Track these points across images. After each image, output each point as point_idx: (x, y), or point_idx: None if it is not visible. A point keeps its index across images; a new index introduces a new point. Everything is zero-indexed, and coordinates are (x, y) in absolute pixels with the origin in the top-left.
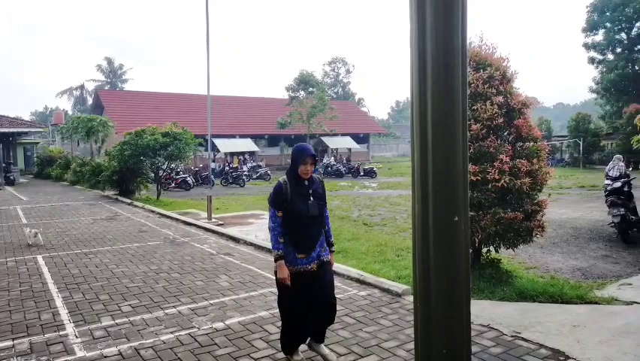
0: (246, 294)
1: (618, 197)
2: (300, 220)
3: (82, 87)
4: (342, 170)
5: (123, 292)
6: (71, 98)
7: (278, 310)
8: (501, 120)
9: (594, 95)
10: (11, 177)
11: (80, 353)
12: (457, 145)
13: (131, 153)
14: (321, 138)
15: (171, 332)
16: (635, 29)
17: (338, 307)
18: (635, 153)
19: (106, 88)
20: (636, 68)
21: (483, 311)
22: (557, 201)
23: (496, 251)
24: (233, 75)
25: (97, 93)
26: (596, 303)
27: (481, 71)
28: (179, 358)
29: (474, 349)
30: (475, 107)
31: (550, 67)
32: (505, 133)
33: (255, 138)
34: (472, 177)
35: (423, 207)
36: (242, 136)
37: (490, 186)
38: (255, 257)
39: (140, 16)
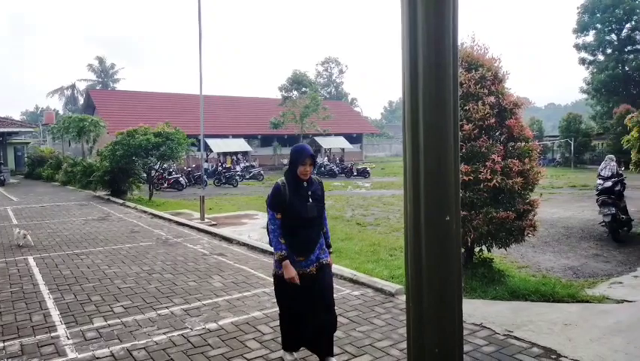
0: (239, 294)
1: (609, 196)
2: (298, 222)
3: (73, 87)
4: (335, 170)
5: (115, 293)
6: (62, 97)
7: (269, 310)
8: (493, 120)
9: (585, 96)
10: (1, 178)
11: (71, 355)
12: (448, 145)
13: (123, 153)
14: (315, 138)
15: (164, 333)
16: (624, 30)
17: None
18: (625, 153)
19: (97, 88)
20: (626, 68)
21: (476, 310)
22: (549, 200)
23: (489, 250)
24: (227, 75)
25: (88, 93)
26: (587, 302)
27: (473, 71)
28: (171, 359)
29: (467, 348)
30: (467, 108)
31: (542, 67)
32: (497, 133)
33: (248, 138)
34: (465, 177)
35: (415, 207)
36: (235, 136)
37: (482, 185)
38: (248, 257)
39: (133, 16)
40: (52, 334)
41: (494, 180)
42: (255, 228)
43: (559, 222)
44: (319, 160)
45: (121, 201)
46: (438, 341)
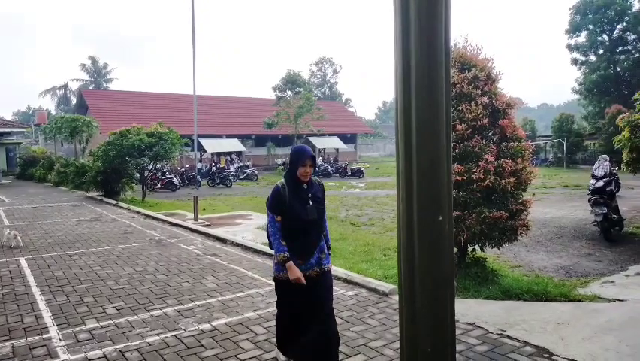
0: (233, 295)
1: (600, 196)
2: (298, 225)
3: (65, 87)
4: (329, 170)
5: (108, 294)
6: (55, 97)
7: (263, 311)
8: (486, 121)
9: (577, 96)
10: None
11: (63, 357)
12: (441, 145)
13: (115, 153)
14: (309, 138)
15: (157, 334)
16: (616, 31)
17: None
18: (617, 152)
19: (90, 87)
20: (618, 69)
21: (469, 310)
22: (541, 200)
23: (482, 250)
24: (220, 75)
25: (81, 93)
26: (579, 301)
27: (466, 71)
28: (164, 360)
29: (460, 347)
30: (460, 108)
31: (537, 68)
32: (490, 133)
33: (242, 138)
34: (458, 177)
35: (408, 207)
36: (229, 136)
37: (475, 185)
38: (242, 258)
39: (128, 16)
40: (44, 336)
41: (487, 180)
42: (248, 228)
43: (551, 222)
44: None
45: (114, 201)
46: (430, 341)
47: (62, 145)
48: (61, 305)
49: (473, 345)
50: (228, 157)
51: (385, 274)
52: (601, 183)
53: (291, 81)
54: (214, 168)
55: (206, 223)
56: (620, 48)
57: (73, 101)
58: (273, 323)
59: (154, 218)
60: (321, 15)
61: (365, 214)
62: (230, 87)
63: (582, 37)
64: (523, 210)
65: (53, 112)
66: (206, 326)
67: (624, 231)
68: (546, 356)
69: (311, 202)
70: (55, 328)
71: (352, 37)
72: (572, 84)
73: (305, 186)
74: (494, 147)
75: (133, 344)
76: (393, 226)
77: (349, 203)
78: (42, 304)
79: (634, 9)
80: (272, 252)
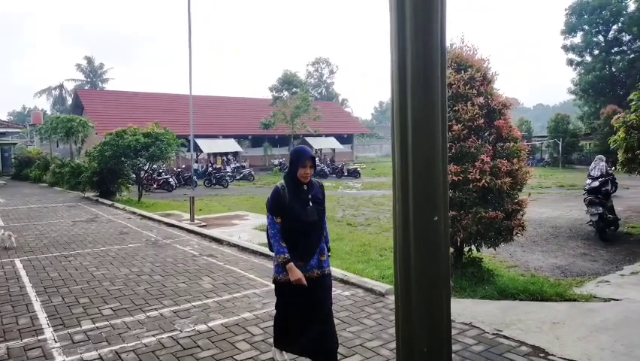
0: (229, 296)
1: (596, 196)
2: (298, 226)
3: (61, 87)
4: (326, 170)
5: (104, 295)
6: (50, 97)
7: (260, 311)
8: (482, 121)
9: (573, 97)
10: None
11: (59, 358)
12: (436, 145)
13: (111, 153)
14: (305, 138)
15: (153, 335)
16: (611, 32)
17: None
18: (612, 153)
19: (86, 88)
20: (613, 69)
21: (465, 310)
22: (537, 200)
23: (478, 250)
24: (217, 75)
25: (76, 93)
26: (574, 300)
27: (462, 72)
28: None
29: (456, 347)
30: (456, 108)
31: (532, 68)
32: (486, 134)
33: (239, 138)
34: (454, 177)
35: (404, 207)
36: (225, 136)
37: (471, 185)
38: (239, 258)
39: (124, 16)
40: (40, 337)
41: (483, 180)
42: (245, 229)
43: (547, 222)
44: None
45: (110, 202)
46: (427, 341)
47: (58, 145)
48: (57, 306)
49: (469, 345)
50: (225, 157)
51: (382, 274)
52: (596, 183)
53: (288, 81)
54: (210, 169)
55: (203, 224)
56: (616, 49)
57: (69, 101)
58: (270, 323)
59: (150, 219)
60: (317, 15)
61: (362, 214)
62: (227, 87)
63: (578, 38)
64: (519, 210)
65: (49, 112)
66: (202, 327)
67: (619, 231)
68: (542, 355)
69: (311, 203)
70: (51, 329)
71: (349, 37)
72: (567, 85)
73: (305, 187)
74: (490, 148)
75: (129, 345)
76: (389, 226)
77: (346, 203)
78: (37, 306)
79: (629, 10)
80: (268, 252)
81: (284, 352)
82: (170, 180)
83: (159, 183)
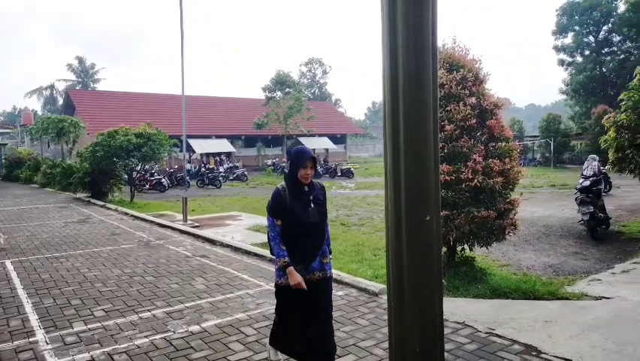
0: (223, 296)
1: (587, 195)
2: (299, 228)
3: (52, 87)
4: (319, 170)
5: (96, 296)
6: (41, 98)
7: (253, 312)
8: (474, 121)
9: (564, 97)
10: None
11: (50, 360)
12: (428, 145)
13: (103, 154)
14: (298, 138)
15: (146, 336)
16: (602, 33)
17: None
18: (603, 152)
19: (77, 88)
20: (603, 70)
21: (458, 309)
22: (529, 199)
23: (471, 249)
24: (210, 75)
25: (67, 93)
26: (566, 299)
27: (455, 72)
28: None
29: (449, 346)
30: (448, 108)
31: (524, 68)
32: (478, 133)
33: (232, 138)
34: (447, 177)
35: (395, 207)
36: (218, 137)
37: (463, 185)
38: (232, 259)
39: (116, 16)
40: (31, 339)
41: (475, 180)
42: (238, 229)
43: (539, 221)
44: None
45: (102, 203)
46: (419, 340)
47: (49, 146)
48: (48, 308)
49: (462, 344)
50: (218, 158)
51: (375, 274)
52: (587, 183)
53: (281, 81)
54: (203, 169)
55: (196, 224)
56: (606, 49)
57: (60, 101)
58: (263, 323)
59: (142, 219)
60: (310, 16)
61: (355, 214)
62: (221, 87)
63: (569, 39)
64: (511, 210)
65: (40, 112)
66: (195, 328)
67: (610, 229)
68: (534, 353)
69: (312, 205)
70: (42, 331)
71: (342, 37)
72: (559, 85)
73: (306, 188)
74: (482, 147)
75: (121, 346)
76: (383, 225)
77: (339, 203)
78: (28, 307)
79: (619, 11)
80: (261, 253)
81: (278, 352)
82: (163, 180)
83: (152, 184)
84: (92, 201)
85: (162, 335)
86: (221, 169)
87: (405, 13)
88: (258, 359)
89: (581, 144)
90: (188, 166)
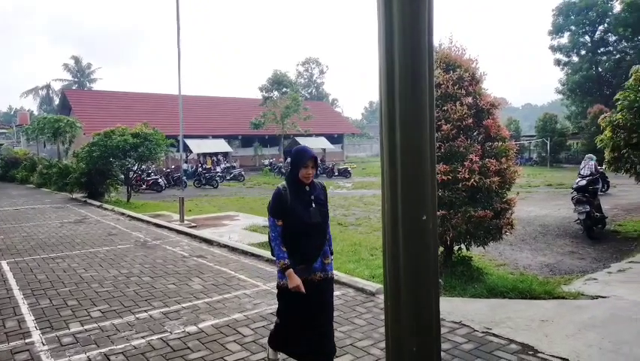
0: (220, 297)
1: (583, 194)
2: (301, 228)
3: (48, 87)
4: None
5: (92, 297)
6: (37, 98)
7: (250, 312)
8: (470, 121)
9: (560, 96)
10: None
11: None
12: (424, 144)
13: (99, 154)
14: (295, 138)
15: (142, 337)
16: (597, 33)
17: None
18: (599, 152)
19: (73, 88)
20: (599, 70)
21: (455, 308)
22: (526, 199)
23: (467, 249)
24: (207, 75)
25: (64, 93)
26: (563, 298)
27: (451, 72)
28: None
29: (446, 346)
30: (445, 108)
31: (520, 68)
32: (475, 133)
33: (229, 138)
34: (444, 177)
35: (392, 206)
36: (215, 136)
37: (460, 185)
38: (229, 259)
39: (113, 15)
40: (27, 340)
41: (472, 180)
42: (235, 229)
43: (535, 221)
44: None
45: (98, 203)
46: (416, 340)
47: (45, 146)
48: (45, 309)
49: (459, 343)
50: (215, 158)
51: (372, 273)
52: (584, 182)
53: (278, 81)
54: (200, 169)
55: (193, 225)
56: (602, 49)
57: (56, 101)
58: (260, 324)
59: (139, 220)
60: (308, 15)
61: (352, 214)
62: (220, 87)
63: (565, 39)
64: (508, 209)
65: (36, 112)
66: (192, 328)
67: (606, 229)
68: (531, 353)
69: (314, 205)
70: (38, 332)
71: (339, 37)
72: (555, 85)
73: (307, 188)
74: (479, 147)
75: (118, 347)
76: (380, 225)
77: (336, 203)
78: (24, 308)
79: (615, 11)
80: (258, 253)
81: (277, 352)
82: (160, 180)
83: (148, 184)
84: (89, 201)
85: (159, 336)
86: (218, 169)
87: (401, 13)
88: (255, 359)
89: (577, 143)
90: (185, 166)
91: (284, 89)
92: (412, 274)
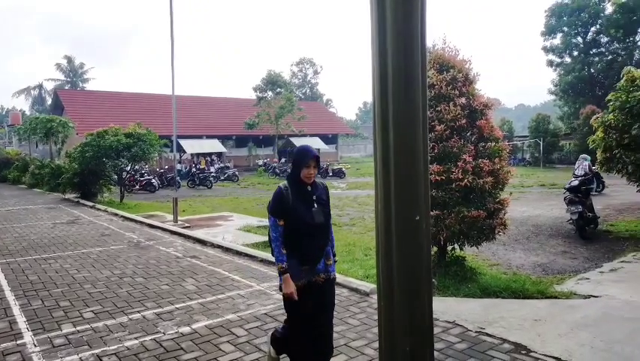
0: (213, 297)
1: (576, 195)
2: (303, 229)
3: (40, 87)
4: None
5: (85, 298)
6: (29, 97)
7: (244, 313)
8: (464, 121)
9: (553, 97)
10: None
11: None
12: (417, 145)
13: (92, 154)
14: (290, 138)
15: (135, 338)
16: (590, 34)
17: None
18: (591, 152)
19: (66, 87)
20: (592, 70)
21: (448, 308)
22: (519, 199)
23: (461, 249)
24: (201, 75)
25: (56, 93)
26: (555, 298)
27: (445, 72)
28: None
29: (440, 345)
30: (438, 109)
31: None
32: (468, 133)
33: (223, 138)
34: (437, 177)
35: (385, 207)
36: (209, 137)
37: (454, 185)
38: (223, 260)
39: (107, 15)
40: (19, 341)
41: (465, 180)
42: (229, 230)
43: (528, 221)
44: None
45: (91, 203)
46: (409, 340)
47: (37, 146)
48: (37, 310)
49: (453, 343)
50: (208, 158)
51: (366, 273)
52: (576, 182)
53: (272, 81)
54: (194, 169)
55: (186, 225)
56: (594, 50)
57: (49, 101)
58: (254, 324)
59: (132, 220)
60: (302, 15)
61: (346, 214)
62: (217, 87)
63: (557, 40)
64: (501, 209)
65: (28, 112)
66: (185, 329)
67: (599, 229)
68: (524, 352)
69: (316, 205)
70: (30, 333)
71: (333, 38)
72: (548, 85)
73: (309, 188)
74: (472, 147)
75: (111, 348)
76: (374, 225)
77: (330, 203)
78: (16, 310)
79: (607, 12)
80: (252, 253)
81: (280, 354)
82: (153, 181)
83: (142, 184)
84: (81, 201)
85: (152, 337)
86: (212, 169)
87: (394, 14)
88: (248, 359)
89: (569, 144)
90: (178, 166)
91: (278, 90)
92: (405, 274)
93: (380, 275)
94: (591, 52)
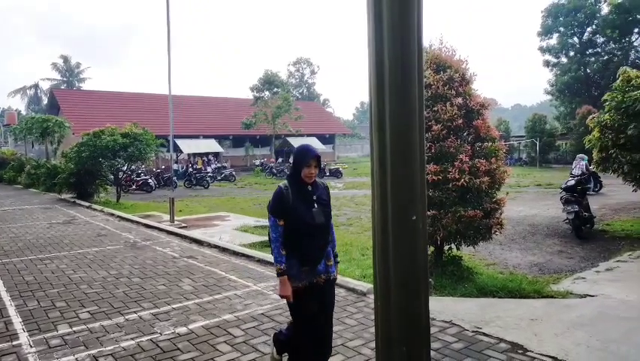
0: (210, 297)
1: (572, 194)
2: (303, 229)
3: (36, 86)
4: None
5: (81, 298)
6: (25, 97)
7: (241, 313)
8: (460, 121)
9: (549, 97)
10: None
11: None
12: (414, 144)
13: (88, 154)
14: (287, 138)
15: (132, 338)
16: (586, 34)
17: None
18: (587, 152)
19: (62, 87)
20: (588, 71)
21: (445, 308)
22: (515, 199)
23: (458, 249)
24: (198, 75)
25: (52, 92)
26: (552, 297)
27: (441, 72)
28: None
29: (437, 345)
30: (435, 109)
31: (510, 69)
32: (465, 133)
33: (220, 138)
34: (434, 177)
35: (382, 207)
36: (206, 137)
37: (450, 185)
38: (220, 260)
39: (103, 14)
40: (14, 342)
41: (462, 180)
42: (226, 230)
43: (525, 220)
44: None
45: (87, 203)
46: (406, 340)
47: (33, 146)
48: (32, 311)
49: (449, 343)
50: (205, 158)
51: (363, 273)
52: (572, 182)
53: (269, 81)
54: (191, 169)
55: (183, 225)
56: (590, 50)
57: (45, 101)
58: (251, 324)
59: (129, 220)
60: (299, 15)
61: (343, 214)
62: (207, 87)
63: (554, 40)
64: (498, 209)
65: (24, 112)
66: (182, 329)
67: (595, 228)
68: (520, 351)
69: (316, 205)
70: (26, 334)
71: (330, 37)
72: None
73: (309, 188)
74: (469, 147)
75: (107, 348)
76: (371, 225)
77: None
78: (12, 310)
79: (603, 12)
80: (249, 253)
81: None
82: (150, 180)
83: (138, 184)
84: (78, 202)
85: (149, 337)
86: (208, 169)
87: (390, 14)
88: (245, 360)
89: (566, 143)
90: (175, 166)
91: (275, 89)
92: (402, 273)
93: (377, 275)
94: (587, 52)
